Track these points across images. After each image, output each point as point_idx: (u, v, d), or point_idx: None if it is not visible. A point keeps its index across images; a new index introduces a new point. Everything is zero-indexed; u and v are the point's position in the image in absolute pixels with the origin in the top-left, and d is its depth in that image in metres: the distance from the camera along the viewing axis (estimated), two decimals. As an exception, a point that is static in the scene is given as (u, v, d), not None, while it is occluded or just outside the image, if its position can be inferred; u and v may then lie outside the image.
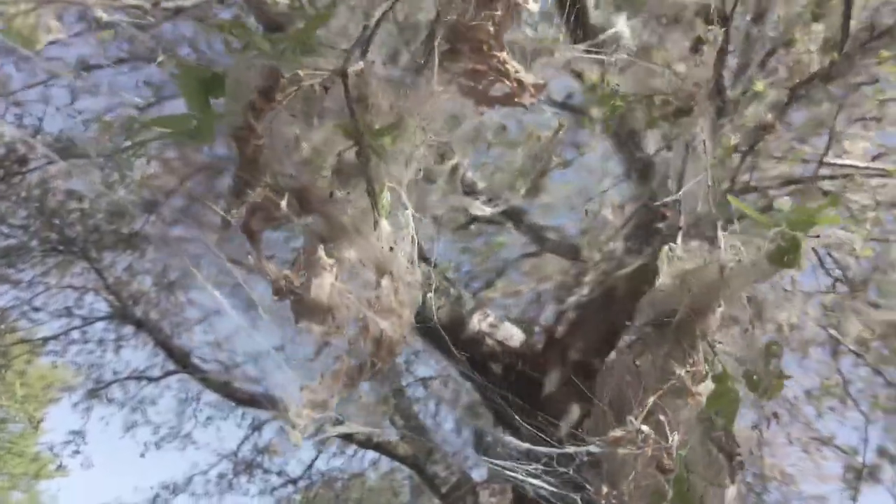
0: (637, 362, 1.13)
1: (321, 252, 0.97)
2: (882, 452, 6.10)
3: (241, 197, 1.00)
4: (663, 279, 1.23)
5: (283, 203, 0.94)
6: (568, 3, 3.56)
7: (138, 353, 8.07)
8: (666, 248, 1.30)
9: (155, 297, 7.48)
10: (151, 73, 6.32)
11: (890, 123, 5.25)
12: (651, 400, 1.06)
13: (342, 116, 1.09)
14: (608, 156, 5.66)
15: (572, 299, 5.72)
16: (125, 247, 6.91)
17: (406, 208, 1.00)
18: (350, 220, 0.95)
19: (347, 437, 6.92)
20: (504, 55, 1.07)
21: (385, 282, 0.98)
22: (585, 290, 5.68)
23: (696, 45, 4.16)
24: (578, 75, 3.49)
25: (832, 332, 5.76)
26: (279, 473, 8.51)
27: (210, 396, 8.17)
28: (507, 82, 1.09)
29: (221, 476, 8.43)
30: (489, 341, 5.79)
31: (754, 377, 1.27)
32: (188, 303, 7.69)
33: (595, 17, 4.32)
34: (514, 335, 5.92)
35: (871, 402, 6.09)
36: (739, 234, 1.21)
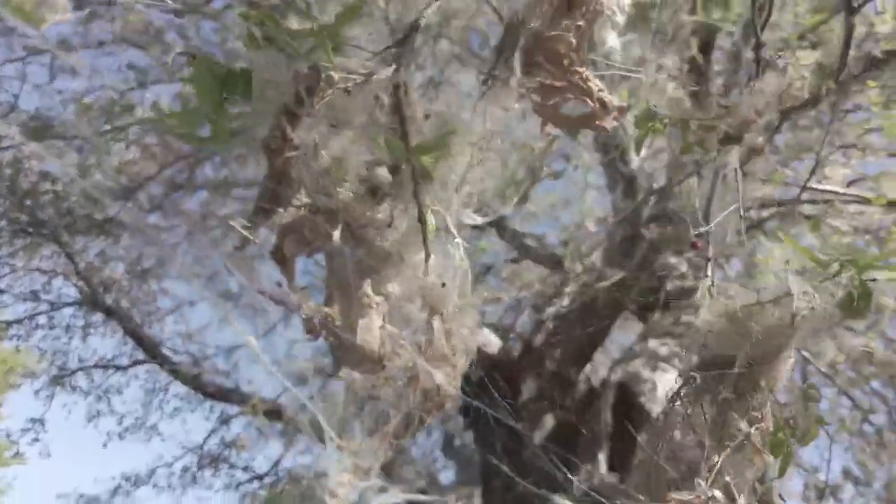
0: (689, 412, 1.07)
1: (368, 287, 0.86)
2: (847, 473, 6.22)
3: (269, 216, 0.91)
4: (705, 316, 1.17)
5: (336, 233, 0.84)
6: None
7: (106, 342, 7.87)
8: (707, 282, 1.24)
9: (127, 285, 7.28)
10: (137, 57, 6.17)
11: (872, 152, 5.34)
12: (719, 461, 0.99)
13: (372, 127, 1.01)
14: (591, 167, 5.66)
15: (551, 310, 5.70)
16: (98, 232, 6.71)
17: (454, 237, 0.90)
18: (394, 248, 0.87)
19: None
20: (586, 71, 0.97)
21: (437, 324, 0.88)
22: (565, 301, 5.68)
23: (693, 65, 4.16)
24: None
25: (805, 354, 5.84)
26: (245, 469, 8.36)
27: (178, 388, 8.00)
28: (590, 101, 0.98)
29: (186, 469, 8.26)
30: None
31: (790, 422, 1.23)
32: (161, 292, 7.53)
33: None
34: (491, 342, 5.89)
35: (838, 425, 6.19)
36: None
